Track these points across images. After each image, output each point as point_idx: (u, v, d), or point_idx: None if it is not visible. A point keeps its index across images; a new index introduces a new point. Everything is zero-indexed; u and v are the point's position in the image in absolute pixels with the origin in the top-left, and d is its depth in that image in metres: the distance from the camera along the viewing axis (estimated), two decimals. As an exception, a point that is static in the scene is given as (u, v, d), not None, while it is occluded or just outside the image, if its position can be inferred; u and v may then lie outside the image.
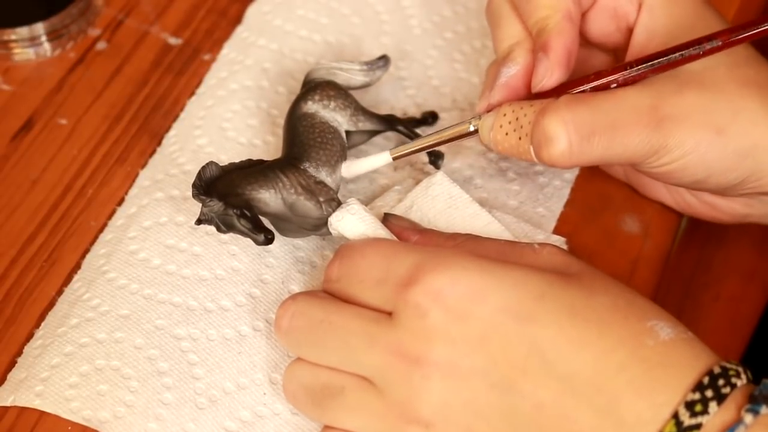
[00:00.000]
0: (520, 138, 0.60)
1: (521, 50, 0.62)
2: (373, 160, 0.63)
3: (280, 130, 0.68)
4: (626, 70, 0.60)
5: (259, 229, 0.60)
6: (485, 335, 0.52)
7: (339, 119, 0.64)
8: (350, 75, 0.66)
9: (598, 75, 0.60)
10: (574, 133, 0.58)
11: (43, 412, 0.58)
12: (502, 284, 0.53)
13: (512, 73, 0.62)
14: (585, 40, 0.65)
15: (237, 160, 0.62)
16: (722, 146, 0.59)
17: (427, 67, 0.72)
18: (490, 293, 0.53)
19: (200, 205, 0.59)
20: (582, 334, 0.52)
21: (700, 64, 0.60)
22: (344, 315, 0.55)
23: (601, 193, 0.67)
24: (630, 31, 0.63)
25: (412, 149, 0.63)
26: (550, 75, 0.60)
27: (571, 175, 0.68)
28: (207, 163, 0.60)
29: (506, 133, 0.60)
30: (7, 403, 0.58)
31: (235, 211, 0.59)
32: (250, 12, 0.74)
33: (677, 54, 0.59)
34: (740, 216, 0.65)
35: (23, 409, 0.58)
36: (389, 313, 0.54)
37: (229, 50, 0.73)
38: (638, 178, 0.66)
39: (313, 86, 0.64)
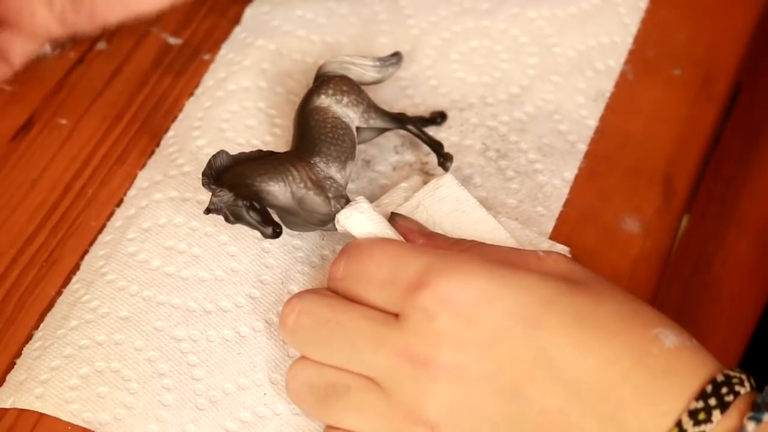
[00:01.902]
0: None
1: None
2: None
3: (279, 131, 0.68)
4: None
5: (267, 222, 0.59)
6: (493, 340, 0.52)
7: (351, 115, 0.63)
8: (363, 71, 0.65)
9: None
10: None
11: (42, 414, 0.58)
12: (510, 289, 0.53)
13: None
14: None
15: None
16: None
17: (425, 67, 0.72)
18: (498, 298, 0.53)
19: (203, 199, 0.59)
20: (588, 342, 0.52)
21: None
22: (351, 315, 0.55)
23: (601, 193, 0.67)
24: None
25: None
26: None
27: (570, 174, 0.68)
28: (218, 152, 0.60)
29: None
30: (7, 405, 0.58)
31: (244, 202, 0.59)
32: (249, 13, 0.74)
33: None
34: None
35: (22, 411, 0.58)
36: (396, 315, 0.54)
37: (227, 51, 0.72)
38: None
39: (326, 80, 0.64)
